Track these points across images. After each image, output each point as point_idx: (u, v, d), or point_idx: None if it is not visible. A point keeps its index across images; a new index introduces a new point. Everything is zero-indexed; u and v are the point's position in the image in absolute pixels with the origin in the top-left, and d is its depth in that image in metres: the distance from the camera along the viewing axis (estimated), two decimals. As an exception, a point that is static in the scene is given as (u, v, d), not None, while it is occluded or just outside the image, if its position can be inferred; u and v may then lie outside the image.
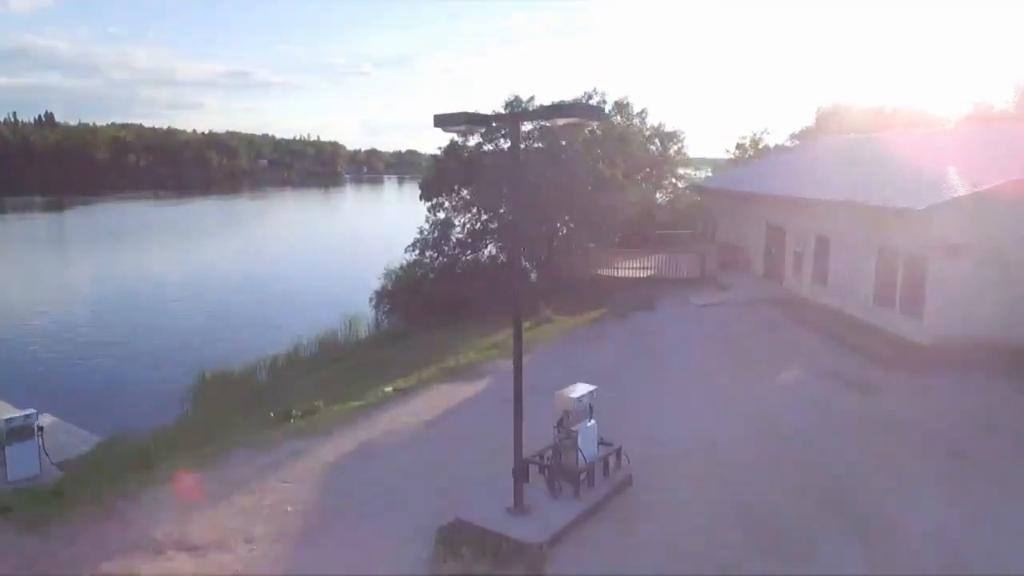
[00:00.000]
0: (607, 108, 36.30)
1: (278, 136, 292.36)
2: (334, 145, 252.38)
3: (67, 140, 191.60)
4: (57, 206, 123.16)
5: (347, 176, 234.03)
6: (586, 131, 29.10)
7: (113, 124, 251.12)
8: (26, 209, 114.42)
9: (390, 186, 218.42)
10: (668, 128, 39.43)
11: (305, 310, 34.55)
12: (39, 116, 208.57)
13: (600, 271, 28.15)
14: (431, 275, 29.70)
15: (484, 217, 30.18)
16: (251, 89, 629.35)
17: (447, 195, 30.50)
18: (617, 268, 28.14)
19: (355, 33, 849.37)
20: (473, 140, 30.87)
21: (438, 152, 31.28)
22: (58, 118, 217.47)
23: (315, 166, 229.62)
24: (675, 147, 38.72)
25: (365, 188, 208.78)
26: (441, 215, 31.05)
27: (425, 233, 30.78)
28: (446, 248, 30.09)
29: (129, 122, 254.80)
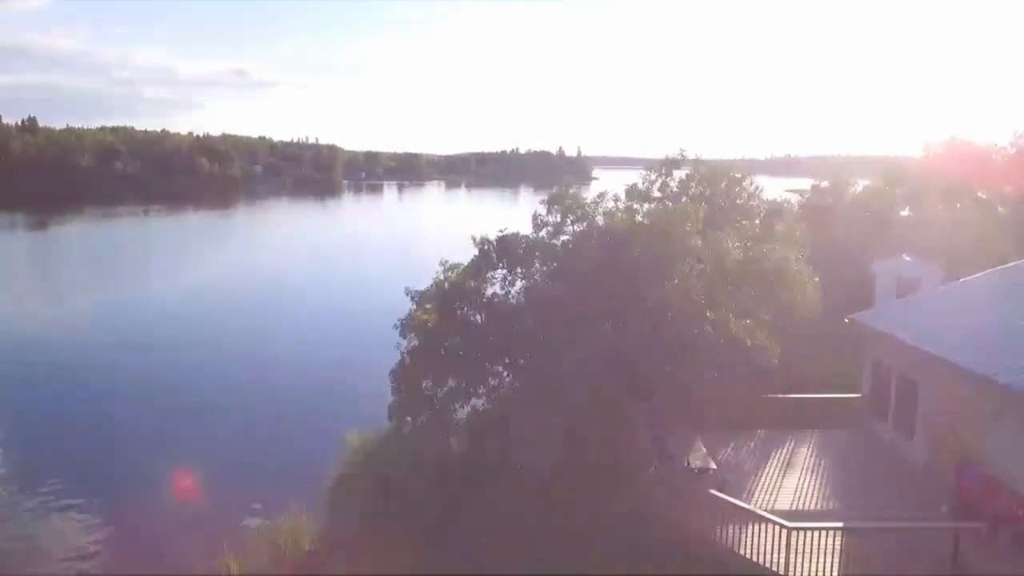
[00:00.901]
0: (696, 178, 23.10)
1: (276, 139, 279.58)
2: (332, 149, 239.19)
3: (50, 146, 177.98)
4: (39, 225, 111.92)
5: (346, 183, 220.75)
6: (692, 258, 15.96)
7: (102, 128, 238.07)
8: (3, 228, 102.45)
9: (390, 194, 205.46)
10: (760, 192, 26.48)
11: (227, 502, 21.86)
12: (21, 120, 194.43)
13: (703, 525, 14.77)
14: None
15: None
16: (253, 88, 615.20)
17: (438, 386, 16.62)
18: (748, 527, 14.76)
19: (358, 32, 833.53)
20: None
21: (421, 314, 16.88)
22: (59, 117, 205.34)
23: (312, 172, 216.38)
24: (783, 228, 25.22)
25: (365, 197, 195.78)
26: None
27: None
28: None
29: (121, 124, 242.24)
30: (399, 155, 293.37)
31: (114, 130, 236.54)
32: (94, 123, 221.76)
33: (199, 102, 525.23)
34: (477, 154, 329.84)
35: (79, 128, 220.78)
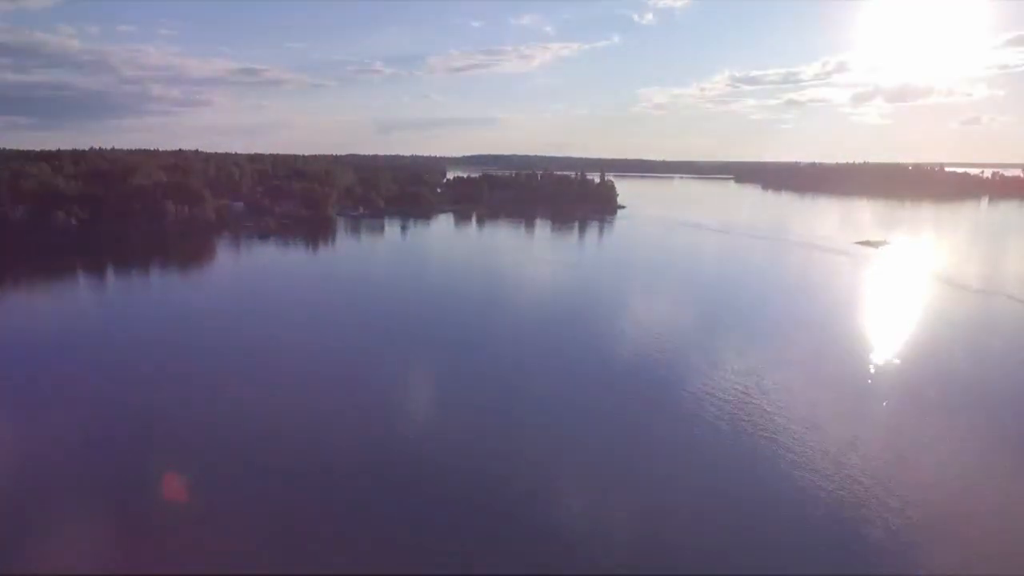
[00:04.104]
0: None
1: (276, 147, 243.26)
2: (326, 178, 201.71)
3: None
4: None
5: (339, 219, 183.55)
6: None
7: (67, 151, 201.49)
8: None
9: (392, 233, 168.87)
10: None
11: None
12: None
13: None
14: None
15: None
16: (261, 87, 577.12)
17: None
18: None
19: (365, 31, 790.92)
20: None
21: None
22: (68, 116, 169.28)
23: (301, 208, 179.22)
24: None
25: (363, 239, 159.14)
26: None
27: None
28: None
29: (121, 126, 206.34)
30: (401, 176, 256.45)
31: (79, 156, 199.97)
32: (99, 122, 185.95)
33: (207, 100, 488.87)
34: (489, 166, 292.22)
35: (23, 156, 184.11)
